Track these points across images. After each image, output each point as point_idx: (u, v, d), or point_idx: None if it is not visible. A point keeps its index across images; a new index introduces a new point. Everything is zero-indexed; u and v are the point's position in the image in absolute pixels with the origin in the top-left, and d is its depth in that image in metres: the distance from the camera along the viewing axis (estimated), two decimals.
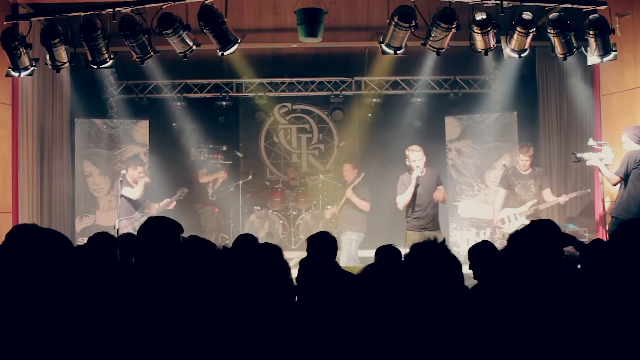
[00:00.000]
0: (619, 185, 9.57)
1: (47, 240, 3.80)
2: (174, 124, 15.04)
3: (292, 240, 14.53)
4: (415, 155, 9.95)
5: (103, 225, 13.26)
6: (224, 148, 15.05)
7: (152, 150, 14.43)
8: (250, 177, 14.62)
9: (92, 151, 14.03)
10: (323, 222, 12.97)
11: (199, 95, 14.99)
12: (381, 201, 14.40)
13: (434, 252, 3.44)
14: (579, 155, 9.97)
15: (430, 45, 9.65)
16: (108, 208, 13.88)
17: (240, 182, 14.38)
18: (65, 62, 9.86)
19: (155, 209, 11.92)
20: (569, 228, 11.48)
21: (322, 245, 6.57)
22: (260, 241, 6.44)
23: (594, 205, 11.26)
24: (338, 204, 12.43)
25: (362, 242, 12.36)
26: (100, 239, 6.07)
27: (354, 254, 11.98)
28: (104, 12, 9.49)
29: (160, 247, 4.35)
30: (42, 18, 10.24)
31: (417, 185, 9.92)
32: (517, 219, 11.29)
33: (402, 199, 10.05)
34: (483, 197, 13.89)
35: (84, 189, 13.90)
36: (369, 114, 15.47)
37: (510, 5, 9.39)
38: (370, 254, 12.23)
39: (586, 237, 11.07)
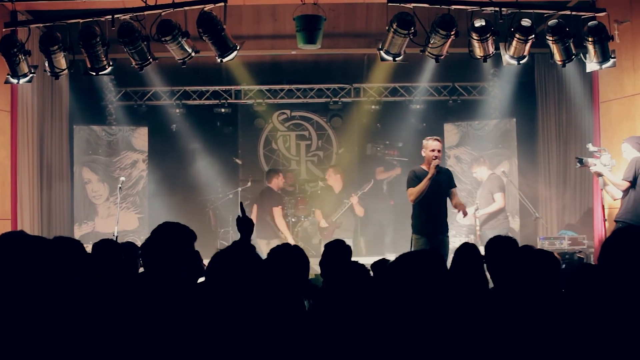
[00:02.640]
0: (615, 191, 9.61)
1: (34, 246, 3.81)
2: (173, 126, 15.05)
3: None
4: (436, 144, 9.25)
5: (102, 232, 13.27)
6: (400, 144, 15.15)
7: (151, 157, 14.44)
8: (249, 183, 14.57)
9: (91, 158, 14.03)
10: (320, 229, 12.98)
11: (197, 102, 14.98)
12: (381, 208, 14.42)
13: (420, 261, 3.43)
14: (584, 160, 9.90)
15: (429, 52, 9.66)
16: (107, 215, 13.88)
17: (239, 188, 14.33)
18: (64, 69, 9.85)
19: None
20: (567, 235, 11.50)
21: (338, 254, 6.52)
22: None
23: (593, 212, 11.24)
24: (337, 211, 12.47)
25: (365, 247, 12.47)
26: (105, 246, 6.06)
27: None
28: (102, 19, 9.49)
29: (173, 254, 4.33)
30: (41, 25, 10.25)
31: (435, 173, 9.06)
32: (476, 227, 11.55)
33: (417, 190, 9.12)
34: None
35: (83, 195, 13.90)
36: (378, 124, 15.48)
37: (509, 12, 9.39)
38: (364, 261, 12.30)
39: (585, 244, 11.07)
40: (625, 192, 9.37)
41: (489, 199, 11.61)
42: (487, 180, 11.93)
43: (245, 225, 5.02)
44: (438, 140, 9.37)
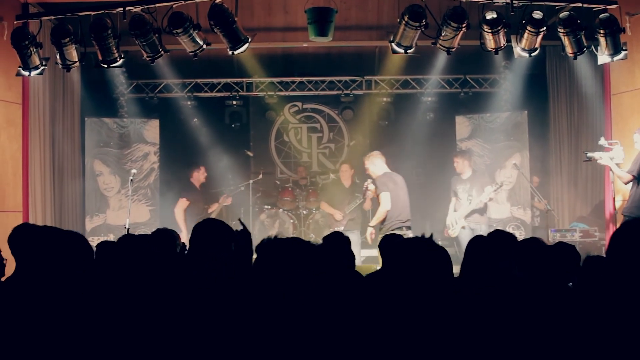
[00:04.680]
0: (630, 184, 9.55)
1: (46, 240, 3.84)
2: (194, 120, 15.12)
3: None
4: None
5: (113, 225, 13.36)
6: None
7: (162, 149, 14.45)
8: (260, 176, 14.57)
9: (102, 150, 14.06)
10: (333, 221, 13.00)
11: (209, 94, 15.02)
12: None
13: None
14: (589, 154, 9.90)
15: (440, 45, 9.65)
16: (118, 207, 13.91)
17: (251, 181, 14.34)
18: (76, 62, 9.87)
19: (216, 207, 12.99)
20: (578, 227, 11.48)
21: (339, 246, 6.51)
22: None
23: (604, 205, 11.21)
24: (351, 204, 12.46)
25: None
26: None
27: (358, 252, 12.00)
28: (114, 12, 9.52)
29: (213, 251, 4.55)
30: (53, 17, 10.27)
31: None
32: (457, 223, 11.46)
33: None
34: (494, 196, 13.83)
35: (95, 188, 13.92)
36: (386, 122, 15.48)
37: (521, 4, 9.39)
38: (370, 253, 12.30)
39: (596, 237, 11.06)
40: (633, 185, 9.36)
41: (481, 193, 11.53)
42: (475, 176, 11.78)
43: (244, 237, 4.95)
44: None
